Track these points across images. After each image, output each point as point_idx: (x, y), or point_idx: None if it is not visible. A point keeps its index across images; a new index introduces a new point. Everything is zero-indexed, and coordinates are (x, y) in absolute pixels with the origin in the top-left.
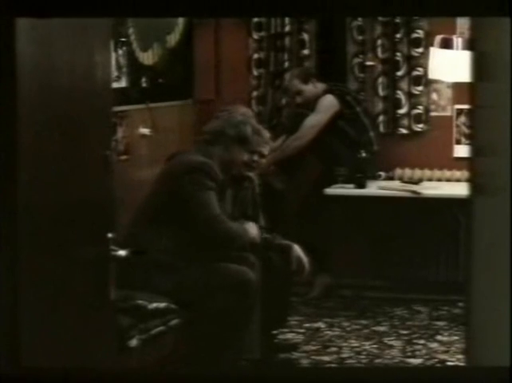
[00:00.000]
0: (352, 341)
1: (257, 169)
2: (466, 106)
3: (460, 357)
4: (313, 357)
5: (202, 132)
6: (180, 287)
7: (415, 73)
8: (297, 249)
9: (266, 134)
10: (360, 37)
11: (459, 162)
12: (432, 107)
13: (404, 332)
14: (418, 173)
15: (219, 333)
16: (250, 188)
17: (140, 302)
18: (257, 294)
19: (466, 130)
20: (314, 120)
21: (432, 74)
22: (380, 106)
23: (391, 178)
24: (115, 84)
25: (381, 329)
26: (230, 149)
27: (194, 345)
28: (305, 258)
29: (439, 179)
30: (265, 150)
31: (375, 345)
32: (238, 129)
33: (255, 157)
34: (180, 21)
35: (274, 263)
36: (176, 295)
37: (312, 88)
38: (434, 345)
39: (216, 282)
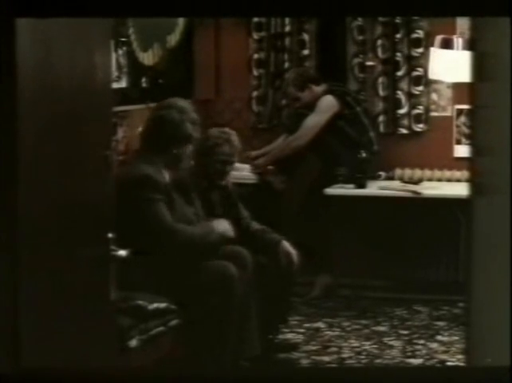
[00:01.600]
0: (352, 342)
1: (228, 176)
2: (466, 106)
3: (460, 357)
4: (313, 357)
5: (141, 135)
6: (168, 286)
7: (415, 73)
8: (285, 243)
9: (235, 139)
10: (361, 38)
11: (459, 162)
12: (432, 107)
13: (404, 332)
14: (418, 173)
15: (208, 330)
16: (225, 193)
17: (140, 302)
18: (248, 291)
19: (466, 130)
20: (314, 121)
21: (432, 74)
22: (380, 106)
23: (391, 178)
24: (115, 85)
25: (381, 329)
26: (175, 152)
27: (189, 344)
28: (293, 252)
29: (439, 180)
30: (234, 158)
31: (375, 346)
32: (177, 129)
33: (227, 168)
34: (180, 21)
35: (271, 262)
36: (165, 294)
37: (308, 93)
38: (434, 345)
39: (199, 278)
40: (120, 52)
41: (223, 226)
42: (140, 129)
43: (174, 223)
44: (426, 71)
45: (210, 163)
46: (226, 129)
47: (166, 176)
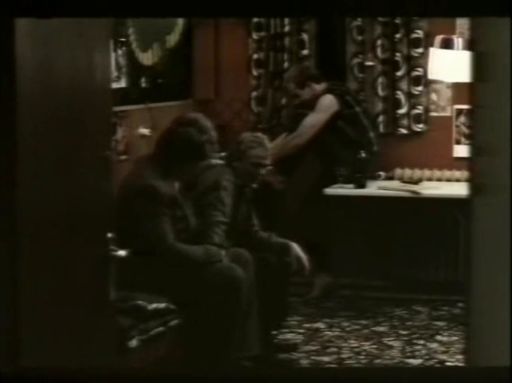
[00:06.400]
0: (352, 342)
1: (259, 179)
2: (465, 106)
3: (460, 357)
4: (312, 357)
5: (156, 144)
6: (171, 287)
7: (414, 73)
8: (296, 247)
9: (267, 143)
10: (360, 38)
11: (459, 162)
12: (432, 107)
13: (404, 332)
14: (418, 173)
15: (212, 331)
16: (247, 194)
17: (140, 302)
18: (249, 291)
19: (465, 130)
20: (313, 120)
21: (432, 74)
22: (379, 106)
23: (391, 178)
24: (115, 85)
25: (381, 329)
26: (188, 168)
27: (190, 345)
28: (304, 256)
29: (439, 179)
30: (267, 161)
31: (374, 346)
32: (195, 150)
33: (260, 170)
34: (180, 21)
35: (270, 262)
36: (169, 295)
37: (308, 91)
38: (433, 345)
39: (205, 280)
40: (120, 52)
41: (214, 252)
42: (156, 137)
43: (174, 241)
44: (425, 71)
45: (244, 166)
46: (259, 134)
47: (175, 187)
